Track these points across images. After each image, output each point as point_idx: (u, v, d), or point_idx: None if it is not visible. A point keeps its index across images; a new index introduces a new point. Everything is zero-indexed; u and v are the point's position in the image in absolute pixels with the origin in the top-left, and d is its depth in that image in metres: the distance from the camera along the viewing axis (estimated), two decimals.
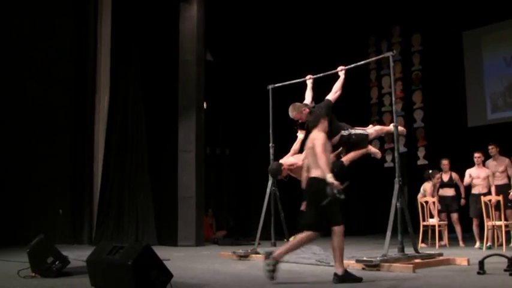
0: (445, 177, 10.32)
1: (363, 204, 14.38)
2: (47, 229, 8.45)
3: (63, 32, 11.98)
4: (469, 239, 10.14)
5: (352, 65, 7.76)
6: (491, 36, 14.01)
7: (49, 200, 11.11)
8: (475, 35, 14.20)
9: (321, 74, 8.06)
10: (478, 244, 9.30)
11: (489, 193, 9.29)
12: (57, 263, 5.83)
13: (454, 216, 10.14)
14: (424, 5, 13.59)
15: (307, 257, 7.37)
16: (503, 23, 13.53)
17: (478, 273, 5.57)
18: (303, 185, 5.52)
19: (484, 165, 9.64)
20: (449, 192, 10.28)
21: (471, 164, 9.77)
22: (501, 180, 9.52)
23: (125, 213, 11.10)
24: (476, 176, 9.59)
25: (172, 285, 4.71)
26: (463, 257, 6.87)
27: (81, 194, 11.68)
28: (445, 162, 10.38)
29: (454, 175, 10.28)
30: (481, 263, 5.63)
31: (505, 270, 5.59)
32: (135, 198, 11.16)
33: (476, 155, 9.60)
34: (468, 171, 9.73)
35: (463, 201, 10.22)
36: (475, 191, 9.59)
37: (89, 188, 11.70)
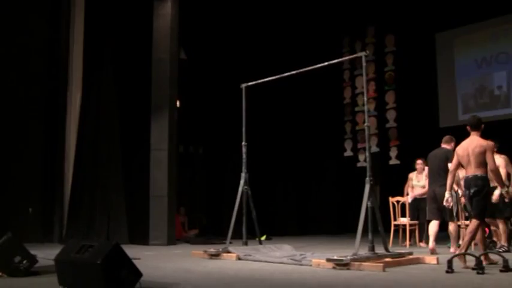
0: (419, 178, 10.37)
1: (336, 203, 14.42)
2: (16, 228, 8.32)
3: (36, 29, 11.75)
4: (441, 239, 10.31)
5: (325, 63, 7.82)
6: (463, 39, 14.23)
7: (19, 198, 10.91)
8: (447, 36, 14.40)
9: (294, 72, 8.17)
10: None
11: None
12: (24, 262, 5.75)
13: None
14: (398, 6, 13.72)
15: (278, 256, 7.40)
16: (475, 26, 13.75)
17: (447, 271, 5.64)
18: None
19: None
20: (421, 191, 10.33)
21: None
22: None
23: (97, 212, 10.96)
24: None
25: (142, 284, 4.68)
26: (432, 256, 6.95)
27: (51, 192, 11.51)
28: (419, 162, 10.49)
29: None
30: (450, 262, 5.70)
31: (473, 269, 5.68)
32: (107, 197, 11.03)
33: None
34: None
35: None
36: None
37: (60, 186, 11.54)
